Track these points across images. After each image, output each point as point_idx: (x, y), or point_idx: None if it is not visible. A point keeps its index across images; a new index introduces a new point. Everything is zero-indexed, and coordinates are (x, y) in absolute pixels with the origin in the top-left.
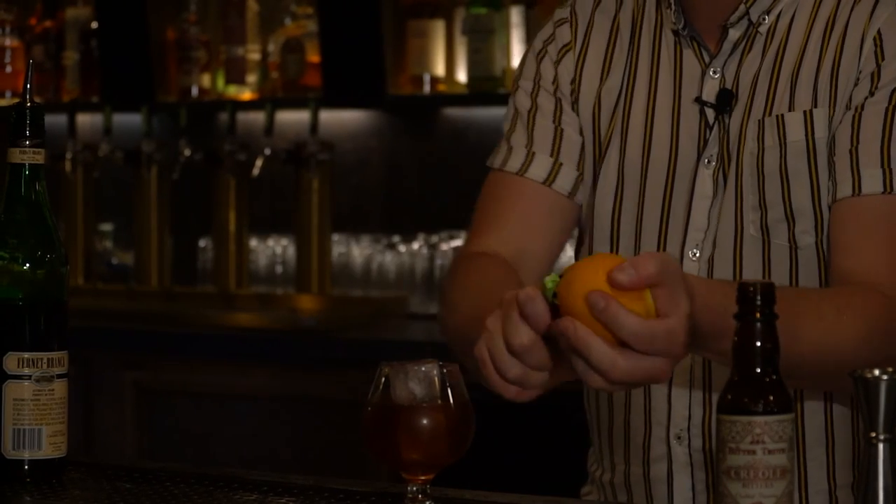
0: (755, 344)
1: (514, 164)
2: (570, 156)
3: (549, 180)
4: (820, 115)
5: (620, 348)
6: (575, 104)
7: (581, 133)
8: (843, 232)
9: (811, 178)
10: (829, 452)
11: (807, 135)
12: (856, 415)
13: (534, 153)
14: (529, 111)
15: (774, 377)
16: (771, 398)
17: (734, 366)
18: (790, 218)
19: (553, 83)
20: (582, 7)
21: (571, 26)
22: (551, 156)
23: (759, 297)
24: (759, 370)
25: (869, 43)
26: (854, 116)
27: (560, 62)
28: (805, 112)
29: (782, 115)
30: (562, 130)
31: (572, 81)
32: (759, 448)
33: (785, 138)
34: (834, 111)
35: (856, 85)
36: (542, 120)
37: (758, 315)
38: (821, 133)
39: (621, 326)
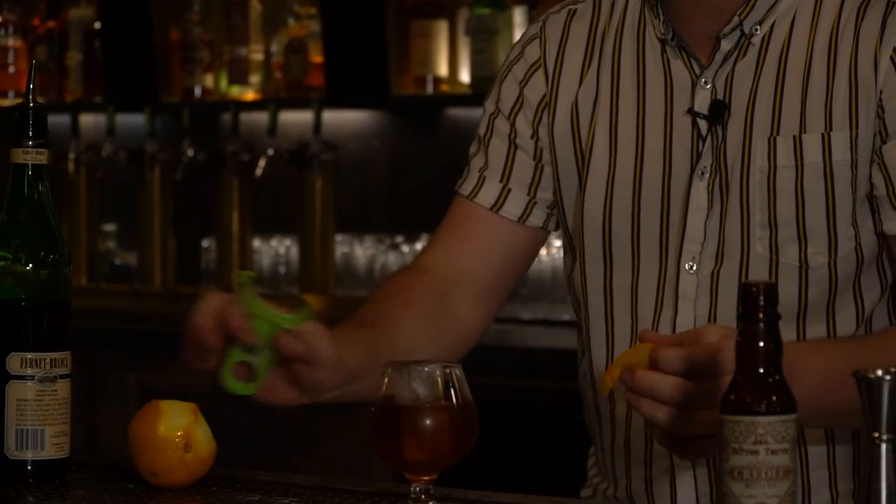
0: (758, 344)
1: (467, 187)
2: (520, 181)
3: (497, 206)
4: (839, 139)
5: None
6: (544, 124)
7: (538, 158)
8: None
9: (827, 200)
10: (831, 463)
11: (824, 157)
12: None
13: (485, 178)
14: (485, 135)
15: (777, 377)
16: (774, 398)
17: (737, 366)
18: (802, 238)
19: (513, 107)
20: (554, 24)
21: (541, 43)
22: (501, 181)
23: (762, 298)
24: (761, 370)
25: (886, 62)
26: None
27: (527, 82)
28: (822, 135)
29: (799, 137)
30: (514, 156)
31: (544, 97)
32: (762, 448)
33: (802, 159)
34: (857, 133)
35: (882, 110)
36: (498, 144)
37: (761, 315)
38: (839, 156)
39: (656, 383)
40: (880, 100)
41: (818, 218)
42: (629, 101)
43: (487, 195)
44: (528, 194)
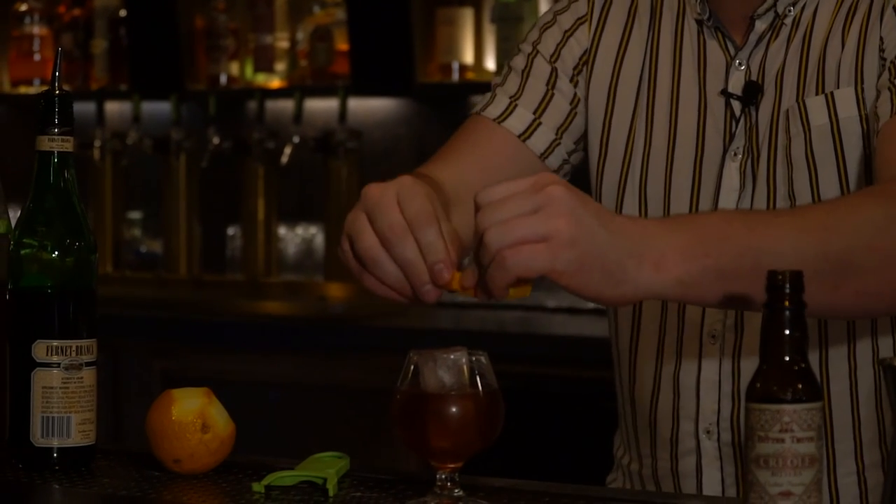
0: (784, 332)
1: (494, 111)
2: (552, 120)
3: (525, 135)
4: (844, 95)
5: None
6: (583, 76)
7: (574, 104)
8: (884, 149)
9: (838, 163)
10: (856, 433)
11: (830, 117)
12: (879, 394)
13: (516, 105)
14: (524, 70)
15: (803, 365)
16: (800, 386)
17: (763, 354)
18: None
19: (554, 53)
20: None
21: (588, 1)
22: (534, 113)
23: (787, 285)
24: (787, 358)
25: (889, 12)
26: (891, 66)
27: (573, 33)
28: (827, 95)
29: (804, 101)
30: (552, 95)
31: (585, 52)
32: (787, 436)
33: (809, 124)
34: (863, 86)
35: (882, 51)
36: (535, 81)
37: (787, 303)
38: (847, 113)
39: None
40: (881, 47)
41: (831, 183)
42: (665, 79)
43: (517, 122)
44: (556, 134)
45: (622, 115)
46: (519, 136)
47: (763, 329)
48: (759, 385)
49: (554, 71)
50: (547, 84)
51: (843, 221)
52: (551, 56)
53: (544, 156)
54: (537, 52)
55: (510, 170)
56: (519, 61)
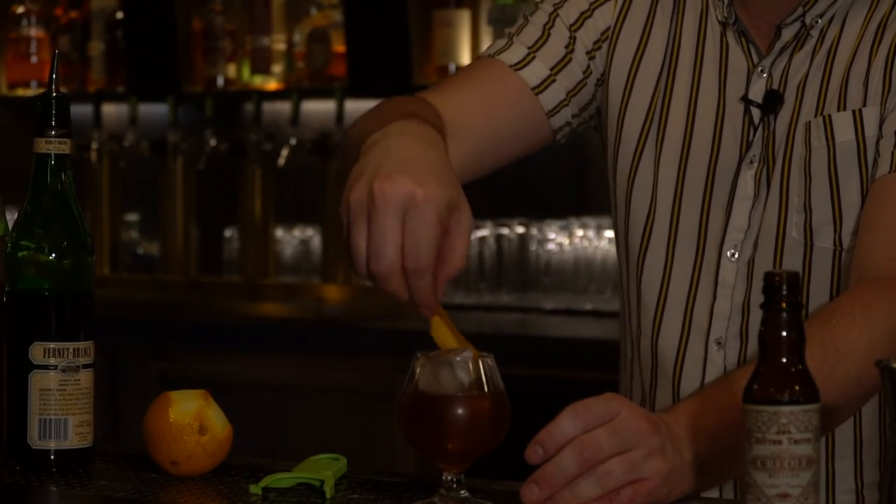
0: (781, 334)
1: (511, 57)
2: (566, 81)
3: (539, 89)
4: (870, 114)
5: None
6: (602, 52)
7: (587, 75)
8: (873, 207)
9: (861, 177)
10: (858, 452)
11: (857, 134)
12: (882, 415)
13: (534, 57)
14: (545, 25)
15: (800, 367)
16: (797, 388)
17: (760, 355)
18: (838, 218)
19: (576, 23)
20: None
21: None
22: (550, 70)
23: (784, 287)
24: (784, 360)
25: None
26: None
27: (599, 6)
28: (854, 112)
29: (829, 116)
30: (570, 59)
31: (609, 29)
32: (785, 438)
33: (833, 139)
34: (885, 108)
35: None
36: (555, 40)
37: (784, 305)
38: (871, 132)
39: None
40: None
41: (854, 195)
42: (684, 80)
43: (533, 75)
44: (566, 95)
45: (638, 102)
46: (532, 89)
47: (761, 331)
48: (756, 387)
49: (573, 39)
50: (566, 48)
51: (834, 370)
52: (572, 24)
53: (551, 114)
54: (558, 14)
55: (513, 117)
56: (539, 17)
